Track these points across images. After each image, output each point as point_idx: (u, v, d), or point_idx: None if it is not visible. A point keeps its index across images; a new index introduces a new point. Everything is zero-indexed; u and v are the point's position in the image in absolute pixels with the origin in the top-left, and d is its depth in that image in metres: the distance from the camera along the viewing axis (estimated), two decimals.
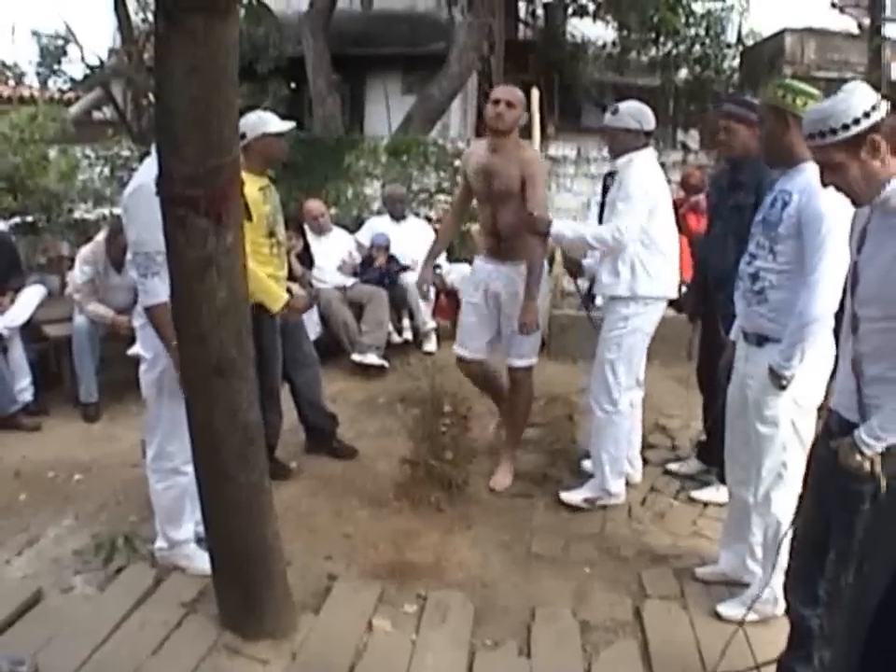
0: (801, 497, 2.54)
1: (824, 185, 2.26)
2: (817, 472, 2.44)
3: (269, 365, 3.98)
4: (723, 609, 3.10)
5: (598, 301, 4.20)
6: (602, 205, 4.01)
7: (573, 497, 4.05)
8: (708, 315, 4.13)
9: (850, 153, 2.13)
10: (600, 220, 4.00)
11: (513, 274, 4.12)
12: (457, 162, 7.86)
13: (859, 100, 2.10)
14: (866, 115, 2.09)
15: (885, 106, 2.11)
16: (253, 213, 3.70)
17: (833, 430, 2.35)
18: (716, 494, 4.04)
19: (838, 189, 2.22)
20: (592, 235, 3.85)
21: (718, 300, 3.78)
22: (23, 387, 5.20)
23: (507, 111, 3.92)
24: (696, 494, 4.17)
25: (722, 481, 3.65)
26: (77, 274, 5.30)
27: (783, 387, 2.82)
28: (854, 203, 2.25)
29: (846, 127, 2.10)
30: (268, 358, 3.95)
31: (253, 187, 3.75)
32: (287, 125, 3.96)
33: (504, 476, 4.29)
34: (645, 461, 4.42)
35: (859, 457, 2.16)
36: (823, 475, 2.37)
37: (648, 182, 3.82)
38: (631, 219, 3.75)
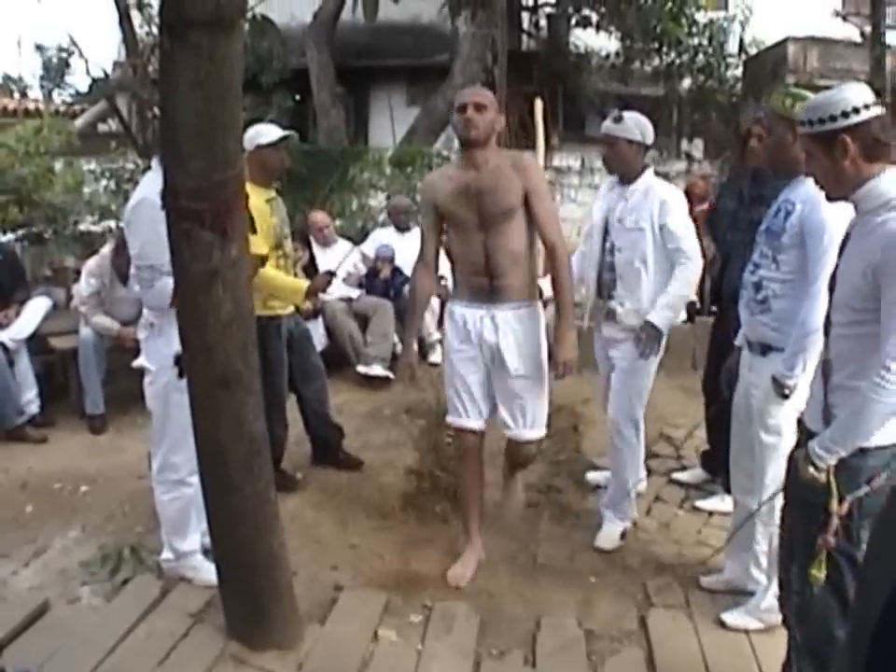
0: (783, 509, 2.55)
1: (806, 173, 2.33)
2: (791, 483, 2.43)
3: (275, 376, 3.99)
4: (728, 617, 3.10)
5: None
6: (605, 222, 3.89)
7: (610, 542, 3.79)
8: (719, 326, 4.12)
9: (823, 148, 2.18)
10: (605, 236, 3.87)
11: (512, 320, 3.34)
12: None
13: (843, 98, 2.13)
14: (844, 115, 2.12)
15: (873, 111, 2.13)
16: (261, 225, 3.71)
17: (800, 441, 2.36)
18: (720, 503, 4.03)
19: (816, 180, 2.29)
20: (686, 283, 3.62)
21: (732, 312, 3.70)
22: (29, 399, 5.21)
23: (477, 116, 3.20)
24: (701, 503, 4.17)
25: (727, 490, 3.64)
26: (83, 287, 5.33)
27: (786, 396, 2.83)
28: (827, 196, 2.30)
29: (821, 121, 2.15)
30: (274, 370, 3.96)
31: (260, 199, 3.77)
32: (282, 134, 3.93)
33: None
34: (649, 471, 4.41)
35: (811, 469, 2.17)
36: (793, 486, 2.38)
37: (683, 198, 3.74)
38: (693, 239, 3.63)
